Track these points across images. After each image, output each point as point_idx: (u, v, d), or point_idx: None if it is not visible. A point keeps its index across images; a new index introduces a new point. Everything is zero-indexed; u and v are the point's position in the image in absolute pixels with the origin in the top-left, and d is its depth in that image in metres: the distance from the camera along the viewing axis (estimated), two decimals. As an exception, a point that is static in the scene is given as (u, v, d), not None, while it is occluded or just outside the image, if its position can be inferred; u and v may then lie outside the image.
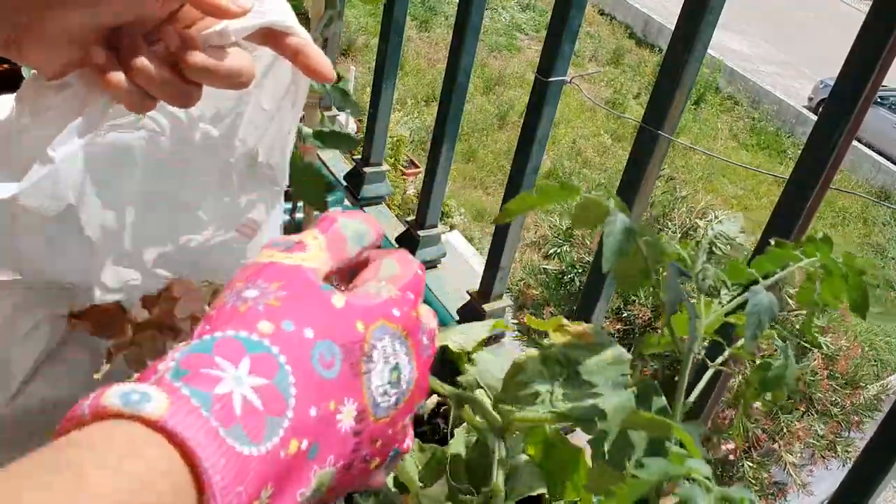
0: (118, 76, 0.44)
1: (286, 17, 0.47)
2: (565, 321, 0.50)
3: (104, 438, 0.31)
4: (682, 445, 0.35)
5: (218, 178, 0.73)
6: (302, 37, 0.48)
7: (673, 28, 0.85)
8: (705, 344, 0.43)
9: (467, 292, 1.24)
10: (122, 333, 0.64)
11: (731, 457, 3.80)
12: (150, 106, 0.47)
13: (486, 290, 1.21)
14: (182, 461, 0.31)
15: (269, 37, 0.47)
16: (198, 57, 0.44)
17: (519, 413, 0.47)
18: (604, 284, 1.00)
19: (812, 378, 3.73)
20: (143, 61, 0.44)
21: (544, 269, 4.36)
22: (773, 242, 0.39)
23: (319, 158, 1.52)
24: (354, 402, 0.36)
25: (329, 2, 0.88)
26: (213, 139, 0.71)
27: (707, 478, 0.32)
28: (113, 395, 0.31)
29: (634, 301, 3.90)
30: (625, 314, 3.94)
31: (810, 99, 12.21)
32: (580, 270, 4.15)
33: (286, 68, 0.61)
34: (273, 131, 0.68)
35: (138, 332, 0.65)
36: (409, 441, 0.42)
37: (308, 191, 0.82)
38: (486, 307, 1.20)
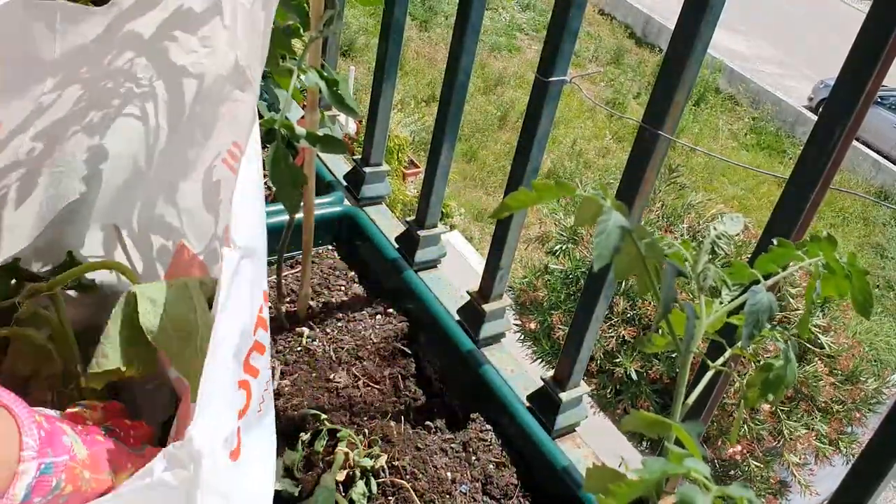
0: None
1: None
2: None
3: None
4: (681, 445, 0.35)
5: (201, 84, 0.73)
6: None
7: (673, 28, 0.85)
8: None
9: (467, 292, 1.24)
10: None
11: (738, 457, 3.80)
12: None
13: (485, 291, 1.21)
14: None
15: None
16: None
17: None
18: (604, 284, 1.00)
19: (815, 383, 3.73)
20: None
21: (549, 268, 4.34)
22: (775, 242, 0.39)
23: (319, 158, 1.52)
24: None
25: (329, 1, 0.88)
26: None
27: (706, 477, 0.32)
28: None
29: (641, 300, 3.89)
30: (630, 314, 3.93)
31: (810, 99, 12.22)
32: (584, 270, 4.14)
33: None
34: (249, 35, 0.68)
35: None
36: None
37: (284, 194, 0.84)
38: (486, 307, 1.20)
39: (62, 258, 0.81)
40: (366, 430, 0.98)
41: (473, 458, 0.98)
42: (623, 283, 3.75)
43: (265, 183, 1.25)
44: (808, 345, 3.76)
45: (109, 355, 0.63)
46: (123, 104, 0.76)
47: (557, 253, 4.37)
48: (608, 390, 4.02)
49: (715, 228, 0.43)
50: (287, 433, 0.90)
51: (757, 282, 0.40)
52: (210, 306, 0.63)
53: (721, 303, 0.41)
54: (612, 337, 3.91)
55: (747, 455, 3.79)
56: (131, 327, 0.63)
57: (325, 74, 0.89)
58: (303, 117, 1.03)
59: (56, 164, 0.76)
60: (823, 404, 3.79)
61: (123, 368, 0.63)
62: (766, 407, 3.73)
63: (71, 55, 0.67)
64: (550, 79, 1.00)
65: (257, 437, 0.63)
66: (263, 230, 0.63)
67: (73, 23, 0.66)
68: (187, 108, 0.75)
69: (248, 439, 0.59)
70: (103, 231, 0.83)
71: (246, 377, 0.58)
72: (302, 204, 1.08)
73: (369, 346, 1.13)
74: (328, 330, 1.15)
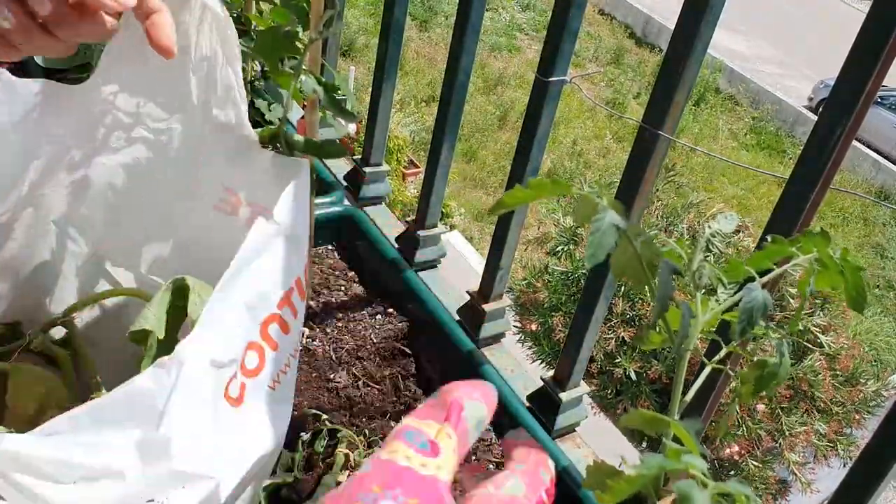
0: None
1: None
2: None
3: None
4: (679, 442, 0.36)
5: (179, 145, 0.74)
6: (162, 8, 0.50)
7: (673, 28, 0.85)
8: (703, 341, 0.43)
9: (467, 292, 1.24)
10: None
11: (736, 457, 3.81)
12: (12, 56, 0.46)
13: (485, 291, 1.21)
14: None
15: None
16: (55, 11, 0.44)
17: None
18: (604, 284, 1.00)
19: (814, 378, 3.74)
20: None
21: (550, 268, 4.34)
22: (769, 238, 0.40)
23: (319, 158, 1.52)
24: None
25: (329, 1, 0.88)
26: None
27: (703, 473, 0.32)
28: None
29: (640, 300, 3.90)
30: (629, 315, 3.93)
31: (810, 99, 12.24)
32: (585, 271, 4.13)
33: (217, 12, 0.63)
34: (219, 82, 0.69)
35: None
36: None
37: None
38: (486, 307, 1.20)
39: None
40: (366, 431, 0.98)
41: (473, 458, 0.98)
42: (623, 285, 3.76)
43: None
44: (808, 344, 3.76)
45: (150, 318, 0.62)
46: (103, 170, 0.76)
47: (559, 254, 4.37)
48: (608, 391, 4.03)
49: (710, 227, 0.43)
50: (287, 433, 0.90)
51: (752, 279, 0.40)
52: None
53: (717, 301, 0.41)
54: (612, 338, 3.92)
55: (746, 455, 3.79)
56: (173, 316, 0.63)
57: (324, 80, 0.89)
58: (303, 117, 1.03)
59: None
60: (823, 406, 3.80)
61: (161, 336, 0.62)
62: (763, 408, 3.74)
63: (54, 131, 0.68)
64: (550, 79, 1.00)
65: (265, 410, 0.65)
66: (307, 232, 0.67)
67: (55, 99, 0.67)
68: (167, 167, 0.75)
69: (253, 402, 0.61)
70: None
71: (260, 342, 0.60)
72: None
73: (369, 346, 1.13)
74: (328, 330, 1.15)
